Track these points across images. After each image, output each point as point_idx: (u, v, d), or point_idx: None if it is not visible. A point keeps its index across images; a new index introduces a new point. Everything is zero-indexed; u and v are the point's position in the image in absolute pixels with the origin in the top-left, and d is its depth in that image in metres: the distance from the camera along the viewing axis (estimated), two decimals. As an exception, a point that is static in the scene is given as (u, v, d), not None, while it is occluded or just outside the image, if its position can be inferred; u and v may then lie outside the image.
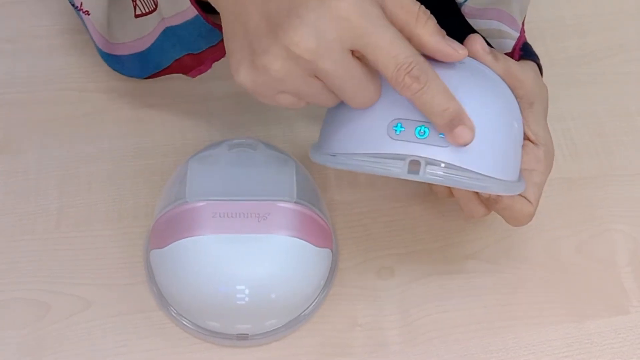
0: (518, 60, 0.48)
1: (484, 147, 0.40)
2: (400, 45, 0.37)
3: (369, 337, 0.47)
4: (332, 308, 0.48)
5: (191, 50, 0.49)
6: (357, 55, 0.38)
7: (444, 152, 0.39)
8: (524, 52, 0.49)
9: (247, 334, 0.46)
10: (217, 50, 0.49)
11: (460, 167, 0.40)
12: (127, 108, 0.55)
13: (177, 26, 0.48)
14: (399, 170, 0.39)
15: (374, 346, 0.47)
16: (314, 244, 0.45)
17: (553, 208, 0.52)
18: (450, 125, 0.39)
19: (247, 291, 0.44)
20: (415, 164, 0.39)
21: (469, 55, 0.43)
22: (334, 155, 0.41)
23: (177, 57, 0.50)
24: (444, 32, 0.39)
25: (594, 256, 0.51)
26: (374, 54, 0.37)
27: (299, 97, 0.40)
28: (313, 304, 0.47)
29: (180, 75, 0.52)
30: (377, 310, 0.48)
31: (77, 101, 0.56)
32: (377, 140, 0.40)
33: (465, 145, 0.39)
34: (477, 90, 0.41)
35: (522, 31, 0.50)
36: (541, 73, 0.49)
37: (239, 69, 0.38)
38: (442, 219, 0.52)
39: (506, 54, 0.46)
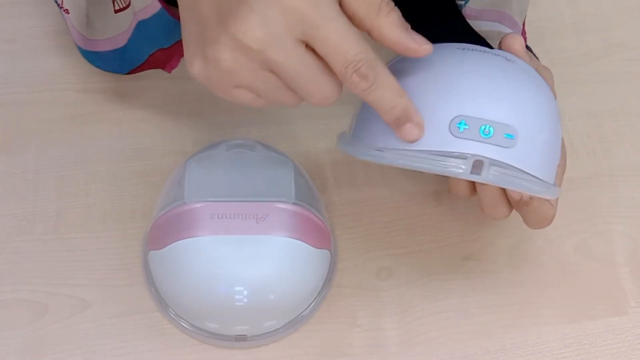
0: None
1: (541, 150, 0.40)
2: (350, 40, 0.35)
3: (367, 338, 0.47)
4: (330, 309, 0.48)
5: (161, 45, 0.49)
6: (311, 48, 0.36)
7: (508, 153, 0.38)
8: None
9: (246, 335, 0.46)
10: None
11: (518, 169, 0.39)
12: (126, 109, 0.55)
13: (146, 20, 0.47)
14: (462, 170, 0.38)
15: (373, 347, 0.47)
16: (312, 245, 0.46)
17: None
18: (398, 122, 0.38)
19: (245, 292, 0.44)
20: (477, 164, 0.38)
21: (509, 53, 0.42)
22: (380, 150, 0.39)
23: (151, 52, 0.50)
24: (408, 26, 0.37)
25: (592, 256, 0.51)
26: (322, 48, 0.35)
27: (257, 94, 0.38)
28: (312, 305, 0.47)
29: (178, 75, 0.52)
30: (375, 311, 0.48)
31: (76, 102, 0.55)
32: (438, 136, 0.38)
33: (413, 141, 0.38)
34: (534, 91, 0.40)
35: (523, 32, 0.50)
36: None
37: (193, 60, 0.37)
38: (440, 220, 0.52)
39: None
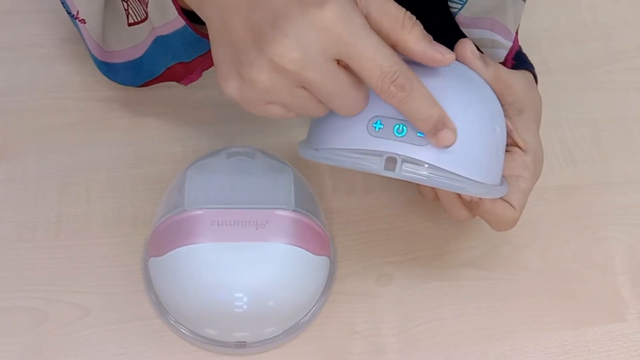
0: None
1: (462, 149, 0.41)
2: (383, 54, 0.37)
3: (367, 344, 0.47)
4: (330, 315, 0.48)
5: (181, 59, 0.49)
6: (343, 64, 0.38)
7: (421, 151, 0.40)
8: (517, 61, 0.49)
9: (245, 342, 0.46)
10: (207, 59, 0.49)
11: (436, 167, 0.40)
12: (127, 116, 0.56)
13: (166, 35, 0.48)
14: (376, 166, 0.40)
15: (372, 353, 0.47)
16: (311, 252, 0.46)
17: (549, 215, 0.52)
18: (434, 130, 0.39)
19: (245, 299, 0.44)
20: (391, 161, 0.40)
21: (458, 59, 0.43)
22: (317, 150, 0.42)
23: (168, 66, 0.50)
24: (431, 37, 0.40)
25: (590, 263, 0.51)
26: (358, 64, 0.37)
27: (288, 108, 0.40)
28: (311, 312, 0.47)
29: (179, 83, 0.53)
30: (375, 318, 0.48)
31: (77, 109, 0.56)
32: (357, 136, 0.40)
33: (448, 146, 0.40)
34: (460, 93, 0.42)
35: (516, 40, 0.50)
36: (536, 82, 0.49)
37: (227, 80, 0.39)
38: (439, 227, 0.52)
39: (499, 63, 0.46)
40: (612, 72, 0.60)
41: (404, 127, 0.40)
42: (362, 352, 0.47)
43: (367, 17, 0.38)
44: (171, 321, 0.47)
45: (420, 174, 0.40)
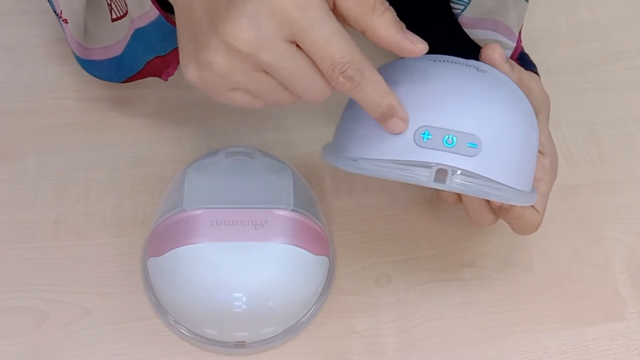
0: None
1: (508, 158, 0.40)
2: (336, 43, 0.36)
3: (366, 345, 0.47)
4: (329, 315, 0.48)
5: (158, 52, 0.49)
6: (298, 45, 0.36)
7: (472, 162, 0.39)
8: (521, 61, 0.49)
9: (245, 342, 0.46)
10: None
11: (485, 177, 0.40)
12: (125, 117, 0.56)
13: (143, 28, 0.47)
14: (426, 178, 0.39)
15: (372, 353, 0.47)
16: (311, 252, 0.46)
17: (549, 215, 0.52)
18: (383, 118, 0.39)
19: (244, 299, 0.44)
20: (441, 173, 0.39)
21: (487, 63, 0.43)
22: (354, 160, 0.40)
23: (147, 60, 0.50)
24: (403, 25, 0.38)
25: (590, 263, 0.51)
26: (310, 50, 0.36)
27: (253, 95, 0.38)
28: (310, 312, 0.47)
29: (178, 83, 0.53)
30: (374, 318, 0.48)
31: (75, 110, 0.56)
32: (403, 146, 0.39)
33: (399, 133, 0.39)
34: (501, 100, 0.41)
35: (519, 41, 0.50)
36: (539, 82, 0.49)
37: (187, 66, 0.38)
38: (439, 226, 0.52)
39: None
40: (611, 72, 0.60)
41: (454, 138, 0.39)
42: (362, 352, 0.47)
43: (335, 0, 0.37)
44: (170, 321, 0.47)
45: (470, 185, 0.39)
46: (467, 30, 0.49)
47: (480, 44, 0.50)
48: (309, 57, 0.37)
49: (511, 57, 0.49)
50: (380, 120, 0.39)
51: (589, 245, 0.52)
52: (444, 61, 0.42)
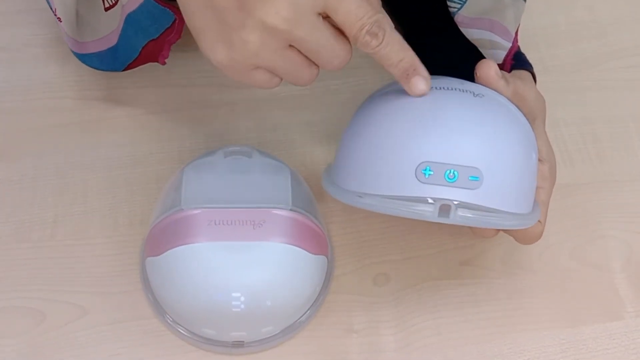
0: (509, 70, 0.48)
1: (510, 186, 0.41)
2: (365, 7, 0.39)
3: (364, 344, 0.47)
4: (327, 315, 0.48)
5: (151, 35, 0.49)
6: (324, 17, 0.39)
7: (474, 195, 0.40)
8: (516, 61, 0.49)
9: (243, 342, 0.46)
10: (172, 32, 0.49)
11: (490, 208, 0.40)
12: (123, 116, 0.55)
13: (134, 12, 0.48)
14: (430, 214, 0.40)
15: (370, 353, 0.47)
16: (309, 251, 0.46)
17: (547, 214, 0.52)
18: (406, 76, 0.40)
19: (242, 298, 0.44)
20: (445, 207, 0.40)
21: (480, 81, 0.43)
22: (360, 197, 0.41)
23: (142, 45, 0.50)
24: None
25: (588, 262, 0.51)
26: (342, 16, 0.38)
27: (275, 73, 0.40)
28: (309, 311, 0.47)
29: (176, 83, 0.53)
30: (372, 317, 0.48)
31: (73, 109, 0.56)
32: (406, 183, 0.40)
33: (419, 95, 0.40)
34: (500, 127, 0.41)
35: (515, 41, 0.50)
36: (535, 81, 0.49)
37: (216, 47, 0.39)
38: (436, 226, 0.52)
39: (497, 64, 0.46)
40: (610, 70, 0.60)
41: (455, 173, 0.39)
42: (360, 352, 0.47)
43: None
44: (169, 321, 0.47)
45: (474, 218, 0.40)
46: (462, 30, 0.49)
47: (475, 43, 0.50)
48: (332, 26, 0.39)
49: (506, 57, 0.49)
50: (403, 77, 0.40)
51: (588, 245, 0.52)
52: (440, 88, 0.42)
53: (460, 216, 0.40)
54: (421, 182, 0.39)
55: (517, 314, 0.49)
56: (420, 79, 0.40)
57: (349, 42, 0.40)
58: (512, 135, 0.41)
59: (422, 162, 0.39)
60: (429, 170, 0.39)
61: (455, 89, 0.42)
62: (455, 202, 0.39)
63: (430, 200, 0.39)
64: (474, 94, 0.42)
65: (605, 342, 0.48)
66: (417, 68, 0.40)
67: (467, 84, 0.43)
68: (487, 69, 0.43)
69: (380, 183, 0.40)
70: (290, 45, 0.39)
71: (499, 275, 0.50)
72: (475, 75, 0.44)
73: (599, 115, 0.58)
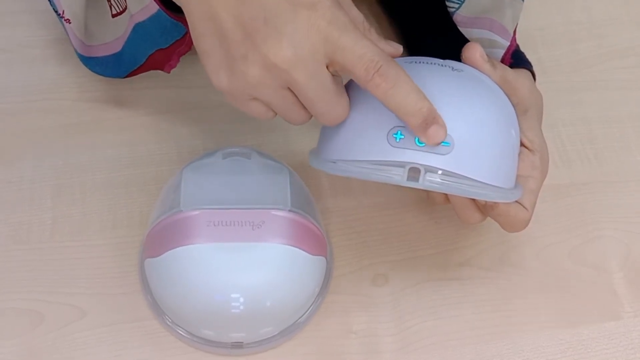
0: None
1: (482, 155, 0.41)
2: (367, 46, 0.38)
3: (363, 344, 0.47)
4: (326, 315, 0.48)
5: (159, 45, 0.50)
6: (330, 71, 0.39)
7: (443, 160, 0.40)
8: (514, 59, 0.49)
9: (242, 343, 0.46)
10: (183, 44, 0.49)
11: (458, 175, 0.40)
12: (121, 117, 0.55)
13: (143, 22, 0.48)
14: (399, 177, 0.40)
15: (369, 353, 0.47)
16: (308, 252, 0.46)
17: (545, 214, 0.53)
18: (424, 125, 0.39)
19: (241, 299, 0.44)
20: (414, 172, 0.40)
21: (467, 63, 0.44)
22: (334, 162, 0.41)
23: (149, 53, 0.50)
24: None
25: (586, 262, 0.51)
26: (342, 57, 0.38)
27: (270, 107, 0.41)
28: (308, 312, 0.47)
29: (175, 84, 0.53)
30: (371, 317, 0.48)
31: (71, 110, 0.56)
32: (377, 147, 0.40)
33: (439, 144, 0.40)
34: (476, 98, 0.42)
35: (514, 39, 0.50)
36: (534, 79, 0.50)
37: (219, 72, 0.40)
38: (435, 226, 0.52)
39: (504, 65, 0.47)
40: (607, 71, 0.60)
41: None
42: (359, 352, 0.47)
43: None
44: (168, 322, 0.47)
45: (443, 183, 0.40)
46: (461, 29, 0.49)
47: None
48: (334, 80, 0.39)
49: (505, 55, 0.49)
50: (422, 128, 0.39)
51: (585, 244, 0.52)
52: (420, 62, 0.42)
53: (428, 180, 0.40)
54: (392, 146, 0.40)
55: (516, 314, 0.49)
56: (439, 129, 0.39)
57: (348, 101, 0.40)
58: (487, 108, 0.42)
59: (394, 127, 0.40)
60: (400, 134, 0.40)
61: (434, 64, 0.43)
62: (424, 165, 0.39)
63: (403, 163, 0.39)
64: (452, 68, 0.42)
65: (604, 342, 0.48)
66: (436, 117, 0.39)
67: (448, 61, 0.43)
68: (473, 51, 0.44)
69: (354, 149, 0.41)
70: (288, 87, 0.39)
71: (497, 275, 0.50)
72: (461, 57, 0.44)
73: (596, 116, 0.58)
